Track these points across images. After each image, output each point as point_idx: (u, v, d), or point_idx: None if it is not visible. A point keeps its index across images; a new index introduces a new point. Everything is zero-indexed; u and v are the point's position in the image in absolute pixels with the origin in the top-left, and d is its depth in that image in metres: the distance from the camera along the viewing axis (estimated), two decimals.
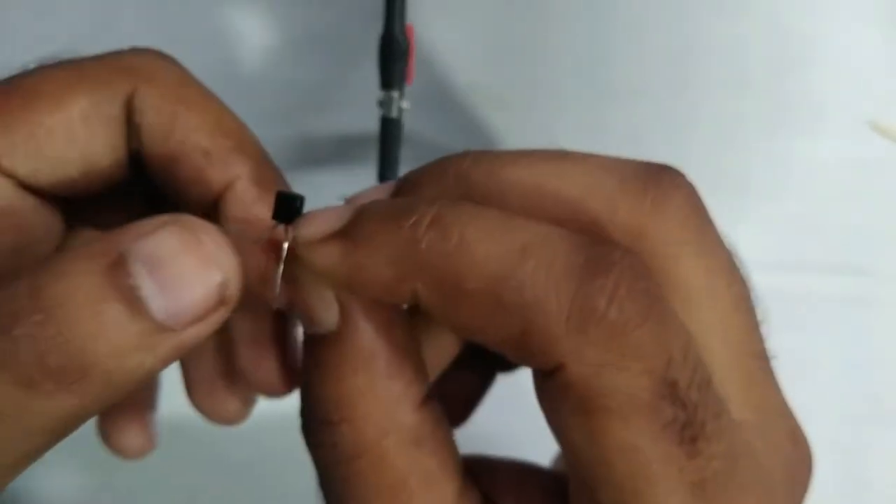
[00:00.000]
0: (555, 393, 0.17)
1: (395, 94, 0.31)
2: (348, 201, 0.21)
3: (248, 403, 0.27)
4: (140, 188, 0.23)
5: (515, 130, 0.39)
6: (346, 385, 0.18)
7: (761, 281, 0.38)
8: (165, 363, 0.17)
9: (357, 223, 0.18)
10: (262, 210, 0.21)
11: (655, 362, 0.16)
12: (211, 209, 0.21)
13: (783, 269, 0.39)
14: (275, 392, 0.24)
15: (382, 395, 0.18)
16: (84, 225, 0.24)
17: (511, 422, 0.39)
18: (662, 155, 0.39)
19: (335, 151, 0.38)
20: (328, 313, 0.18)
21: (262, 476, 0.39)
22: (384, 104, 0.31)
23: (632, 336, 0.16)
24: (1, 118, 0.20)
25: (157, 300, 0.17)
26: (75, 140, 0.20)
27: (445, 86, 0.39)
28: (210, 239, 0.17)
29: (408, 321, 0.19)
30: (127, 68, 0.21)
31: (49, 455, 0.18)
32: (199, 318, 0.17)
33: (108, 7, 0.39)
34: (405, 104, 0.31)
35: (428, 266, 0.17)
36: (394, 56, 0.31)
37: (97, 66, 0.21)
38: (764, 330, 0.20)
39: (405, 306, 0.19)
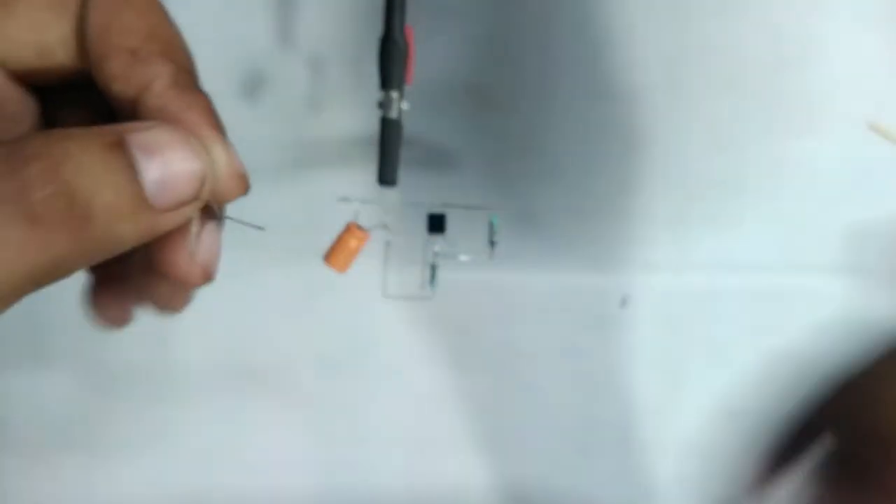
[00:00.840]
0: None
1: (395, 94, 0.31)
2: None
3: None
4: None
5: (513, 131, 0.39)
6: None
7: (758, 280, 0.39)
8: (142, 239, 0.21)
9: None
10: (177, 107, 0.22)
11: None
12: (133, 107, 0.23)
13: (780, 269, 0.39)
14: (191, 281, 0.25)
15: None
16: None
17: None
18: (660, 154, 0.39)
19: (335, 151, 0.39)
20: None
21: None
22: (384, 105, 0.31)
23: None
24: None
25: (149, 177, 0.20)
26: (35, 25, 0.23)
27: (444, 87, 0.39)
28: (196, 142, 0.21)
29: None
30: None
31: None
32: (177, 205, 0.21)
33: None
34: (405, 105, 0.31)
35: None
36: (393, 57, 0.31)
37: None
38: None
39: None
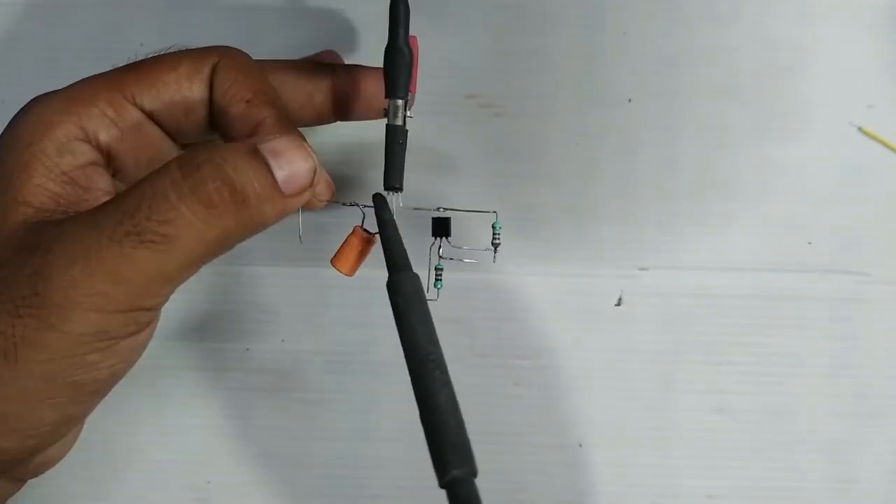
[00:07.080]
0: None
1: (400, 102, 0.31)
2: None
3: None
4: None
5: (514, 136, 0.40)
6: None
7: (751, 282, 0.39)
8: (278, 217, 0.28)
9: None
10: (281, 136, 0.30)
11: None
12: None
13: (772, 271, 0.39)
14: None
15: None
16: None
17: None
18: (654, 159, 0.40)
19: (341, 158, 0.39)
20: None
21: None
22: (389, 112, 0.31)
23: None
24: (137, 75, 0.31)
25: (279, 172, 0.28)
26: (181, 90, 0.31)
27: (447, 94, 0.40)
28: (307, 146, 0.29)
29: None
30: (215, 49, 0.32)
31: None
32: (297, 192, 0.28)
33: (117, 13, 0.40)
34: (410, 112, 0.32)
35: None
36: (398, 66, 0.31)
37: (200, 48, 0.32)
38: None
39: None
